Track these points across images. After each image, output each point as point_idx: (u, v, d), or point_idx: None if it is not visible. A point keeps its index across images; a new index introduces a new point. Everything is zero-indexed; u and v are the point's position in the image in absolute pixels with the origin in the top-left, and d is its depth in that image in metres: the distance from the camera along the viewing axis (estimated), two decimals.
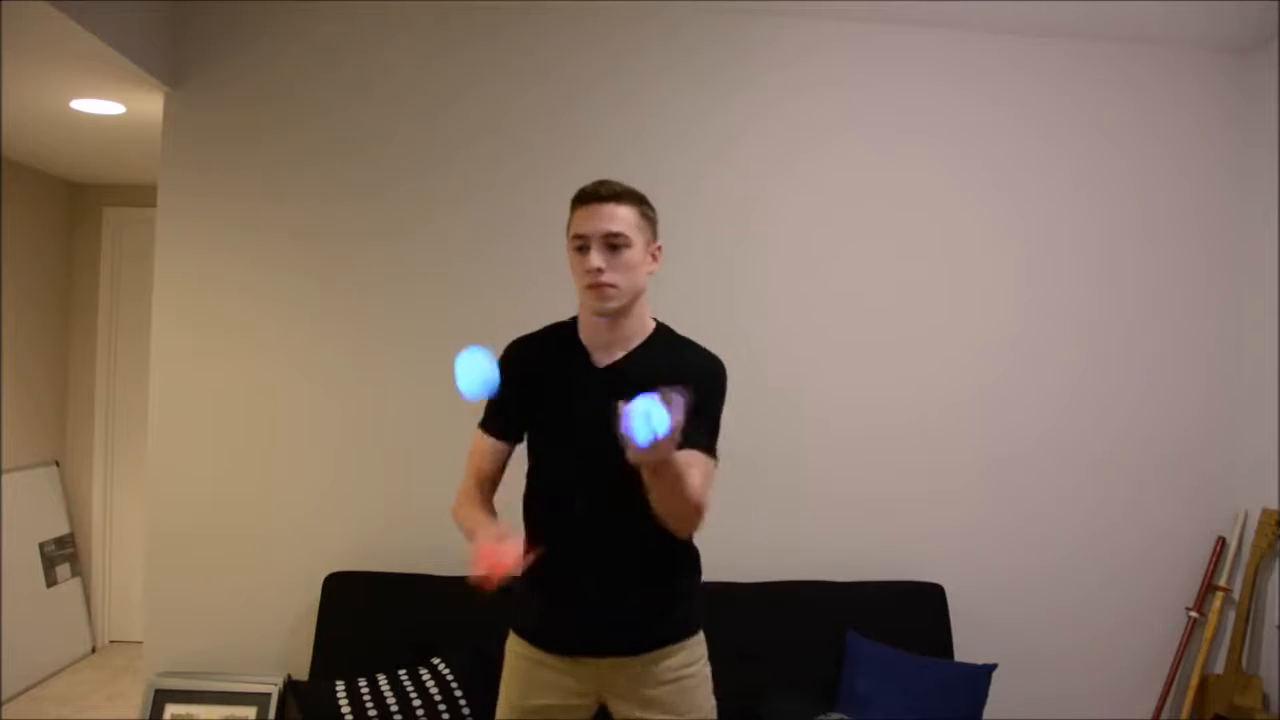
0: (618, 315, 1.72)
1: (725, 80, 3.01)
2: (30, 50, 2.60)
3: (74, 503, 4.41)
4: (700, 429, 1.68)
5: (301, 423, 2.90)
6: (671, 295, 2.94)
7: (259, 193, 2.91)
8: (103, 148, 3.76)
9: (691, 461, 1.61)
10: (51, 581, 4.11)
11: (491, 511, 1.75)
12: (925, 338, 3.05)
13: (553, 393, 1.77)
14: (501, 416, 1.81)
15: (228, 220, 2.90)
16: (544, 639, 1.78)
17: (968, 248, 3.07)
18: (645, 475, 1.53)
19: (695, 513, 1.62)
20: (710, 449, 1.72)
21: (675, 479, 1.53)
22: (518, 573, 1.51)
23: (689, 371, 1.70)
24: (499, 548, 1.50)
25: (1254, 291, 3.11)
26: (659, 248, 1.77)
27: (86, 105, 3.14)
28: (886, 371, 3.04)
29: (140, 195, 4.36)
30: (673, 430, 1.38)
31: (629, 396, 1.64)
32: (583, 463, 1.74)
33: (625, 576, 1.75)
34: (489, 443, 1.82)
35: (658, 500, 1.58)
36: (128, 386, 4.41)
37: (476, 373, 1.59)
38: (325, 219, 2.92)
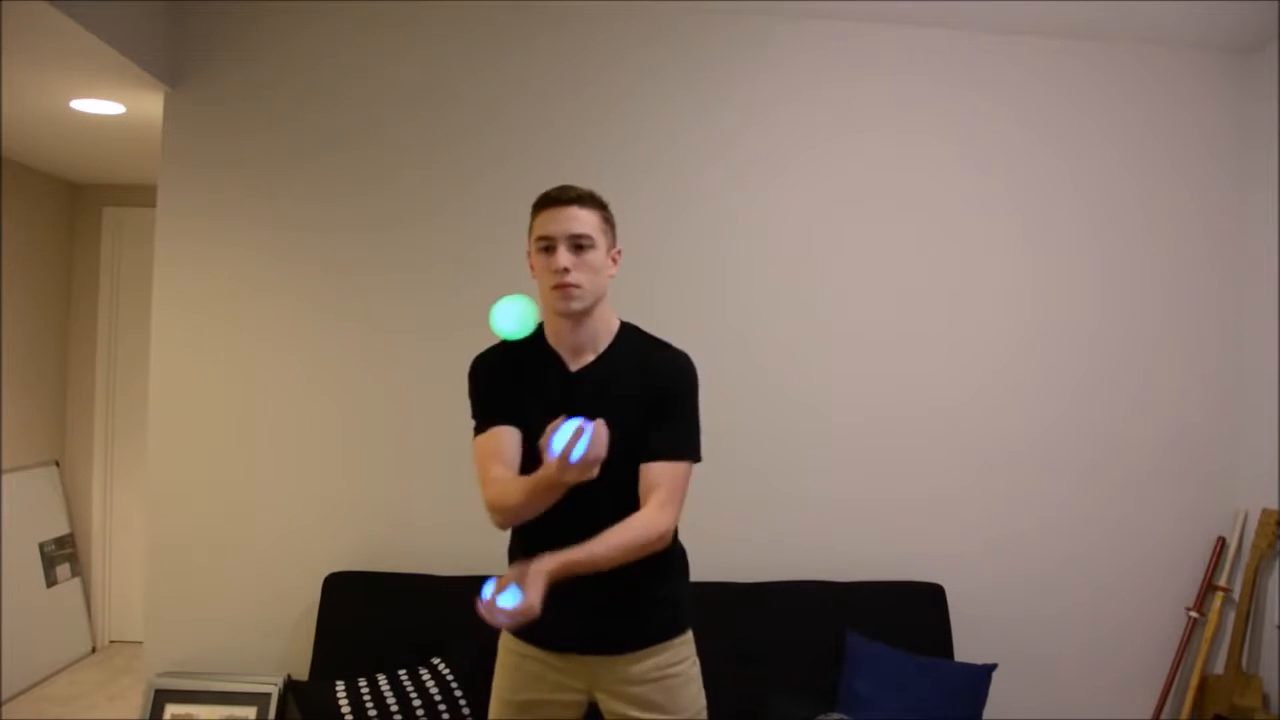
0: (582, 316, 1.75)
1: (722, 79, 3.01)
2: (30, 50, 2.60)
3: (74, 503, 4.41)
4: (673, 433, 1.75)
5: (302, 422, 2.90)
6: (671, 295, 2.95)
7: (259, 192, 2.91)
8: (103, 148, 3.76)
9: (654, 482, 1.71)
10: (51, 581, 4.11)
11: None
12: (925, 338, 3.05)
13: (530, 399, 1.77)
14: (501, 408, 1.78)
15: (228, 220, 2.90)
16: (534, 635, 1.79)
17: (966, 248, 3.07)
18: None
19: (644, 549, 1.69)
20: (682, 452, 1.76)
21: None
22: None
23: (659, 370, 1.78)
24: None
25: (1254, 291, 3.11)
26: (619, 251, 1.82)
27: (86, 105, 3.14)
28: (886, 371, 3.04)
29: (140, 195, 4.36)
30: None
31: (604, 398, 1.72)
32: None
33: (612, 576, 1.73)
34: (498, 431, 1.76)
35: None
36: (128, 386, 4.42)
37: (516, 315, 1.66)
38: (325, 218, 2.92)
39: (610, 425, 1.69)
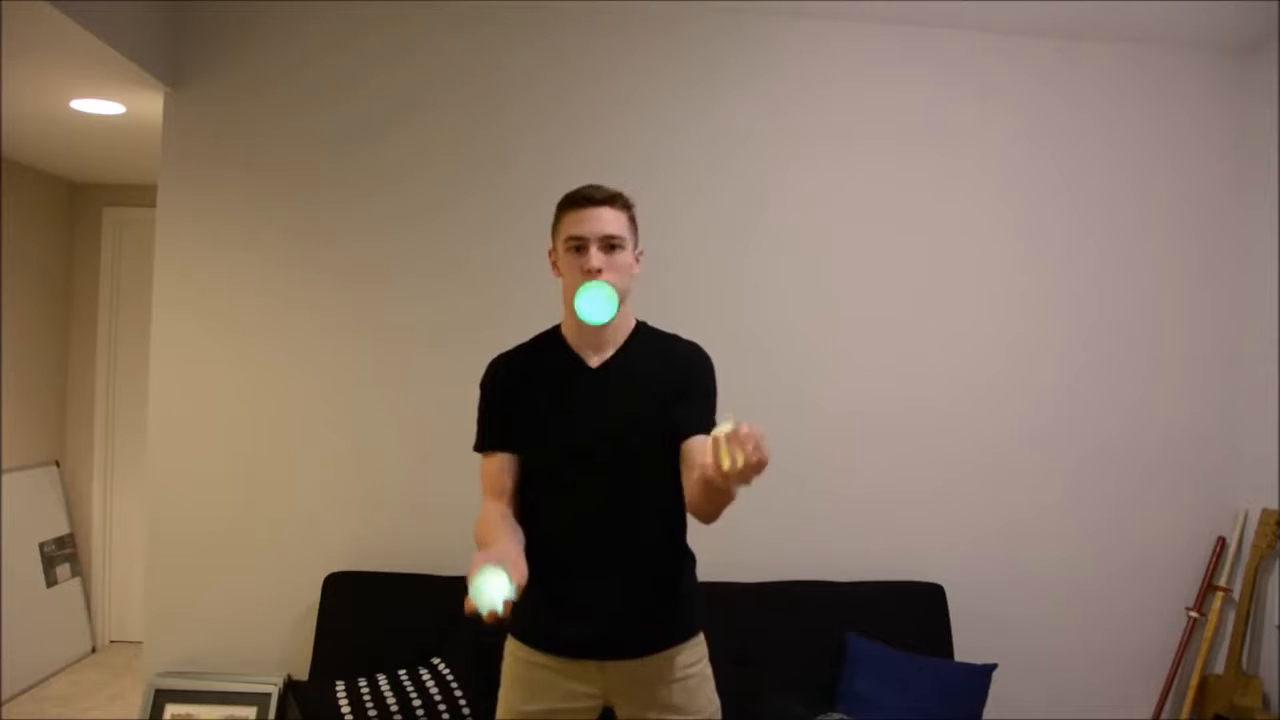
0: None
1: (724, 79, 3.01)
2: (30, 50, 2.60)
3: (74, 503, 4.41)
4: (703, 410, 1.78)
5: (302, 421, 2.90)
6: (670, 295, 2.94)
7: (259, 191, 2.91)
8: (103, 148, 3.76)
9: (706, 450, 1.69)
10: (51, 581, 4.11)
11: (514, 526, 1.70)
12: (925, 338, 3.05)
13: (549, 398, 1.77)
14: (504, 430, 1.79)
15: (228, 219, 2.90)
16: (548, 642, 1.77)
17: (967, 247, 3.07)
18: (701, 497, 1.62)
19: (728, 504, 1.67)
20: (711, 427, 1.76)
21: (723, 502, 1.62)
22: (502, 613, 1.40)
23: (680, 361, 1.82)
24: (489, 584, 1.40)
25: (1254, 291, 3.11)
26: (641, 252, 1.83)
27: (86, 105, 3.14)
28: (886, 371, 3.04)
29: (140, 195, 4.36)
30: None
31: (629, 387, 1.74)
32: (586, 463, 1.74)
33: (631, 577, 1.75)
34: (499, 459, 1.77)
35: (702, 513, 1.66)
36: (128, 386, 4.41)
37: (491, 588, 1.45)
38: (325, 218, 2.92)
39: (638, 412, 1.74)
